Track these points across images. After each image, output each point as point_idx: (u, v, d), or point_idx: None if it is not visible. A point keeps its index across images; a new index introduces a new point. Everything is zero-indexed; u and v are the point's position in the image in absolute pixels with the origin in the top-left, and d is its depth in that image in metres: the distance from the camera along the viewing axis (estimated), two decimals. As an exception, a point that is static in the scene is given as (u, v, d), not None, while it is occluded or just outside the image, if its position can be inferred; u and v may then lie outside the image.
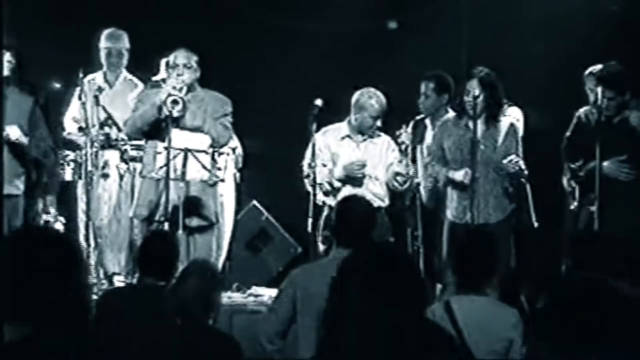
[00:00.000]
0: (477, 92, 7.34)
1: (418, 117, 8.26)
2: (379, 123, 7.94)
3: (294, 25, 9.41)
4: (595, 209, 7.32)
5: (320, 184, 7.80)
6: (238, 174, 8.75)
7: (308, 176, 7.76)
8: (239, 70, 9.22)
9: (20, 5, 7.98)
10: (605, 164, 7.44)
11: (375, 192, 7.88)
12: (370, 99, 7.90)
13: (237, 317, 7.46)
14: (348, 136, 8.01)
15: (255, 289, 8.44)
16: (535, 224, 7.62)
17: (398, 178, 7.88)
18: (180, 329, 4.86)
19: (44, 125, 7.81)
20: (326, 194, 7.86)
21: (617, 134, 7.43)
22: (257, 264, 9.16)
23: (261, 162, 8.96)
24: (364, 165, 7.87)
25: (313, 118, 7.82)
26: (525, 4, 9.00)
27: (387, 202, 7.99)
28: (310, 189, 7.80)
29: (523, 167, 7.35)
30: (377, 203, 7.66)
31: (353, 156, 7.95)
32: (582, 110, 7.68)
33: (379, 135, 8.03)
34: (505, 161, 7.30)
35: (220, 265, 8.46)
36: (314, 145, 7.78)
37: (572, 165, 7.62)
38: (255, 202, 9.33)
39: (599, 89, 7.45)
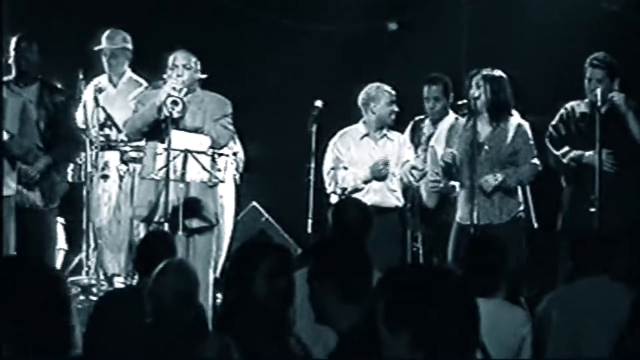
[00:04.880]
0: (476, 93, 7.33)
1: (417, 118, 8.26)
2: (395, 108, 7.96)
3: (293, 27, 9.41)
4: (595, 210, 7.31)
5: (345, 188, 7.83)
6: (238, 176, 8.75)
7: (335, 181, 7.84)
8: (239, 72, 9.21)
9: (20, 5, 7.96)
10: (589, 153, 7.44)
11: (392, 189, 7.95)
12: (379, 88, 7.97)
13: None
14: (366, 135, 8.04)
15: (255, 290, 8.42)
16: (535, 225, 7.62)
17: (414, 172, 7.97)
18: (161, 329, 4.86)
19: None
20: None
21: (605, 124, 7.37)
22: (256, 265, 9.13)
23: (261, 163, 8.95)
24: (387, 163, 7.92)
25: (313, 119, 7.84)
26: (525, 5, 9.00)
27: (402, 200, 8.04)
28: (332, 192, 7.86)
29: (514, 183, 7.33)
30: (393, 201, 7.93)
31: (374, 155, 7.98)
32: (569, 103, 7.68)
33: (393, 133, 8.10)
34: (481, 180, 7.28)
35: (220, 267, 8.46)
36: (334, 148, 7.91)
37: (556, 152, 7.62)
38: (255, 203, 9.32)
39: (588, 72, 7.45)
